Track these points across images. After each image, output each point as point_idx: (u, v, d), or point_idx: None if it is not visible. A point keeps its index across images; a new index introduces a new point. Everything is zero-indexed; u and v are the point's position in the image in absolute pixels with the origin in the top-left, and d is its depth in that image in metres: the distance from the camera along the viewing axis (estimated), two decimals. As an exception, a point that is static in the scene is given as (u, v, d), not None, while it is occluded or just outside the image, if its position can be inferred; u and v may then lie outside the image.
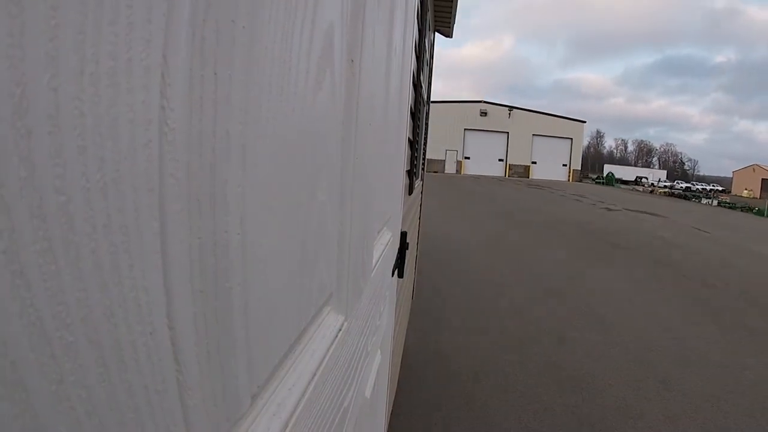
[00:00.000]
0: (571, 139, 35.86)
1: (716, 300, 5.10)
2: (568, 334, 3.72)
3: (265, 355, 0.33)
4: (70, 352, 0.15)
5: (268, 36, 0.28)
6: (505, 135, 34.46)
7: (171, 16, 0.19)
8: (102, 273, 0.17)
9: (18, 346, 0.14)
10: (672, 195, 29.47)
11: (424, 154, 3.89)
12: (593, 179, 43.15)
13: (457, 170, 33.39)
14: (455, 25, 4.45)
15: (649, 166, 77.84)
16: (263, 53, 0.28)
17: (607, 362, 3.26)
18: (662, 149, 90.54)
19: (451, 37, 4.62)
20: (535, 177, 34.33)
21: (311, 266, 0.42)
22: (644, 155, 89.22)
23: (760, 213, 21.62)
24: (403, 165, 1.36)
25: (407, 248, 1.35)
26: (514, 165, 34.73)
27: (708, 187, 45.73)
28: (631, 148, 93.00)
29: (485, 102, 34.92)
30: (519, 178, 32.47)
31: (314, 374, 0.41)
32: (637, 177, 48.67)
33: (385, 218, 0.96)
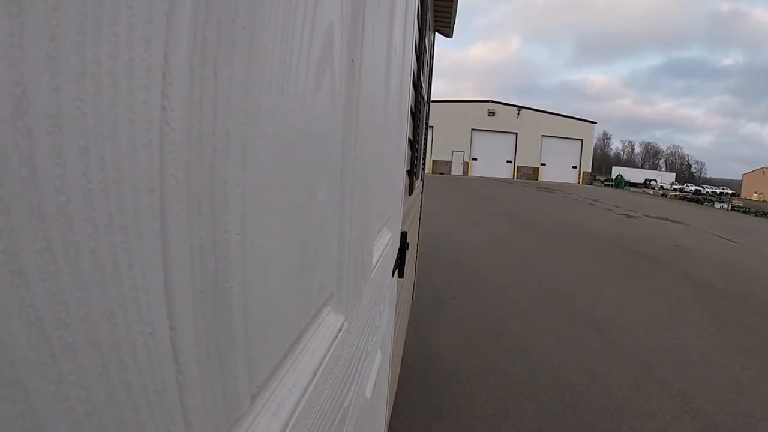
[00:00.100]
0: (582, 140, 35.13)
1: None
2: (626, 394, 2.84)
3: (264, 355, 0.33)
4: (70, 352, 0.15)
5: (268, 36, 0.28)
6: (514, 136, 33.78)
7: (172, 15, 0.19)
8: (102, 273, 0.17)
9: (17, 346, 0.14)
10: (684, 198, 28.77)
11: (425, 154, 3.89)
12: (602, 182, 42.15)
13: (464, 172, 32.76)
14: (455, 26, 4.46)
15: (655, 168, 76.84)
16: (263, 53, 0.28)
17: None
18: (669, 151, 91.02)
19: (452, 37, 4.62)
20: (544, 179, 33.64)
21: (311, 266, 0.42)
22: (651, 157, 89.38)
23: (776, 218, 21.00)
24: (403, 165, 1.36)
25: (407, 248, 1.35)
26: (523, 167, 34.05)
27: (718, 190, 44.92)
28: (637, 150, 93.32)
29: (493, 102, 34.17)
30: (528, 181, 31.77)
31: (314, 374, 0.41)
32: (645, 179, 47.78)
33: (385, 218, 0.96)
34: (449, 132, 32.03)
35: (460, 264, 5.80)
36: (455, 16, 4.23)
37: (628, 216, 13.43)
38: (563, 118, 35.45)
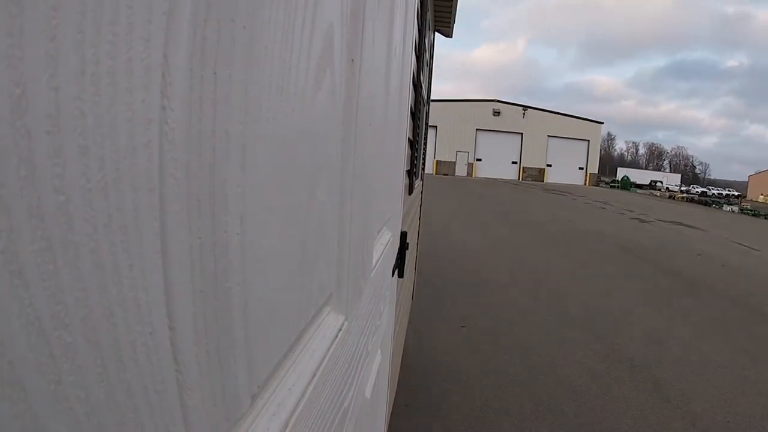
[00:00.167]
0: (588, 141, 34.33)
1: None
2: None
3: (264, 355, 0.33)
4: (69, 352, 0.15)
5: (268, 36, 0.28)
6: (519, 136, 33.03)
7: (172, 15, 0.19)
8: (101, 273, 0.17)
9: (17, 346, 0.14)
10: (692, 201, 28.17)
11: (425, 153, 3.89)
12: (608, 183, 41.10)
13: (468, 173, 32.04)
14: (455, 26, 4.46)
15: (659, 169, 76.57)
16: (263, 53, 0.28)
17: None
18: (673, 152, 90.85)
19: (451, 36, 4.62)
20: (549, 180, 32.92)
21: (311, 266, 0.42)
22: (655, 158, 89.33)
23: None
24: (403, 165, 1.36)
25: (407, 248, 1.35)
26: (529, 168, 33.29)
27: (724, 192, 44.31)
28: (642, 151, 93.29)
29: (498, 101, 33.36)
30: (533, 182, 31.05)
31: (314, 374, 0.41)
32: (651, 181, 47.09)
33: (385, 218, 0.96)
34: (453, 132, 31.42)
35: (470, 282, 4.99)
36: (455, 16, 4.23)
37: (641, 221, 12.70)
38: (570, 118, 34.63)
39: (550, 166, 33.62)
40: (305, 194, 0.38)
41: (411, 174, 2.35)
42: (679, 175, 61.29)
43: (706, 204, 26.14)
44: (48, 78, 0.14)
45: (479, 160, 32.60)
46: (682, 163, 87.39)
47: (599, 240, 8.69)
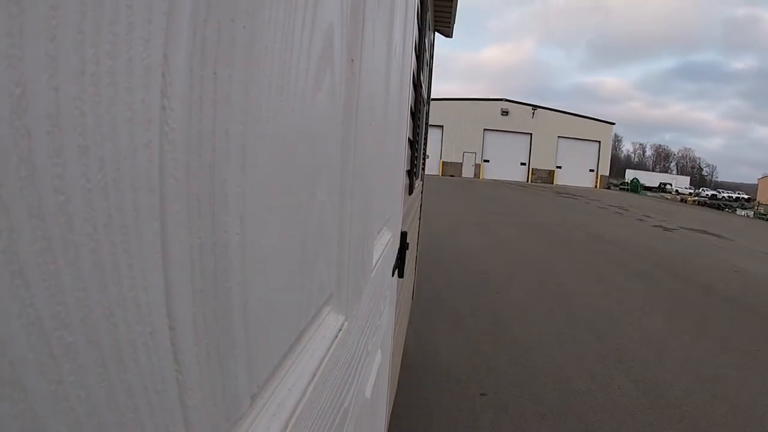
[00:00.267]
0: (599, 142, 33.07)
1: None
2: None
3: (264, 355, 0.33)
4: (70, 352, 0.15)
5: (268, 36, 0.28)
6: (528, 136, 31.78)
7: (172, 15, 0.19)
8: (102, 273, 0.17)
9: (17, 346, 0.14)
10: (704, 205, 27.31)
11: (425, 153, 3.89)
12: (617, 185, 39.20)
13: (475, 174, 30.89)
14: (456, 26, 4.46)
15: (666, 171, 75.57)
16: (263, 53, 0.28)
17: None
18: (680, 154, 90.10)
19: (451, 37, 4.62)
20: (559, 183, 31.76)
21: (311, 266, 0.42)
22: (662, 160, 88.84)
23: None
24: (403, 165, 1.36)
25: (407, 248, 1.35)
26: (538, 169, 32.11)
27: (734, 195, 43.37)
28: (649, 152, 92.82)
29: (507, 100, 32.11)
30: (543, 184, 29.93)
31: (314, 374, 0.41)
32: (660, 183, 45.89)
33: (385, 218, 0.96)
34: (460, 132, 30.39)
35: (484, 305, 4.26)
36: (455, 16, 4.23)
37: (665, 228, 11.77)
38: (580, 118, 33.36)
39: (560, 167, 32.49)
40: (305, 194, 0.38)
41: (411, 174, 2.35)
42: (688, 178, 60.17)
43: (719, 208, 25.36)
44: (48, 78, 0.14)
45: (487, 161, 31.56)
46: (689, 165, 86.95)
47: (624, 251, 7.80)
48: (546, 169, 32.45)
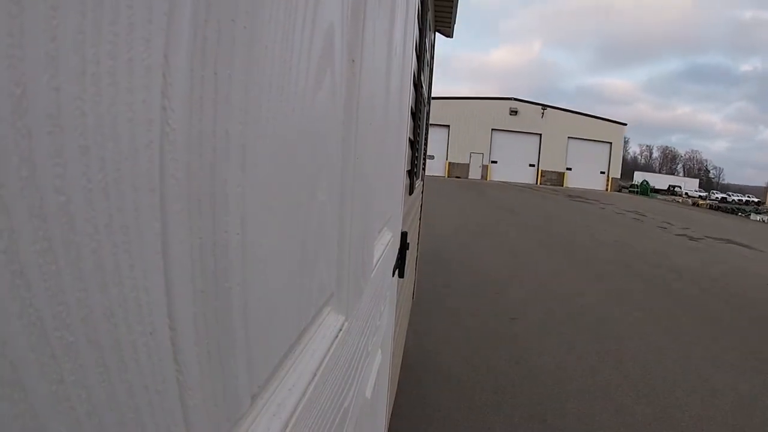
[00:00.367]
0: (611, 143, 31.80)
1: None
2: None
3: (265, 355, 0.33)
4: (70, 353, 0.15)
5: (268, 36, 0.28)
6: (538, 137, 30.65)
7: (172, 15, 0.19)
8: (103, 273, 0.17)
9: (18, 346, 0.14)
10: (718, 209, 25.82)
11: (425, 154, 3.89)
12: (627, 188, 37.45)
13: (482, 176, 29.84)
14: (456, 26, 4.46)
15: (673, 173, 74.70)
16: (263, 53, 0.28)
17: None
18: (687, 156, 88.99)
19: (452, 37, 4.62)
20: (569, 185, 30.67)
21: (311, 266, 0.42)
22: (668, 162, 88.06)
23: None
24: (403, 165, 1.36)
25: (408, 248, 1.35)
26: (547, 171, 30.96)
27: (744, 198, 42.25)
28: (655, 154, 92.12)
29: (515, 99, 30.81)
30: (554, 187, 28.76)
31: (314, 374, 0.41)
32: (669, 186, 44.59)
33: (385, 218, 0.96)
34: (467, 132, 29.33)
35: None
36: (456, 17, 4.23)
37: (690, 238, 10.66)
38: (591, 118, 32.10)
39: (570, 169, 31.30)
40: (305, 194, 0.38)
41: (411, 174, 2.35)
42: (697, 180, 58.87)
43: (732, 212, 24.35)
44: (49, 78, 0.14)
45: (494, 162, 30.38)
46: (696, 167, 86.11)
47: (657, 266, 6.78)
48: (555, 171, 31.29)
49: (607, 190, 31.65)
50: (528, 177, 31.04)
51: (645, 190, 35.16)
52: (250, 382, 0.30)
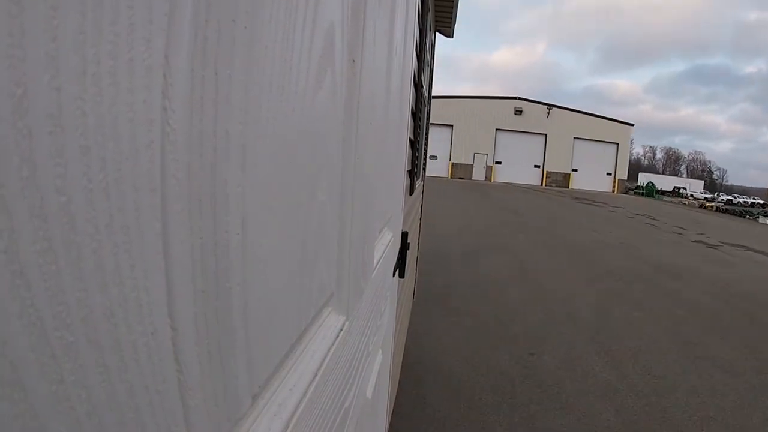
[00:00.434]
0: (617, 144, 30.88)
1: None
2: None
3: (265, 355, 0.33)
4: (71, 353, 0.15)
5: (268, 36, 0.28)
6: (543, 137, 29.70)
7: (173, 16, 0.19)
8: (103, 273, 0.17)
9: (18, 346, 0.14)
10: (725, 212, 25.05)
11: (425, 154, 3.89)
12: (632, 189, 36.66)
13: (486, 177, 28.91)
14: (456, 27, 4.45)
15: (676, 174, 73.94)
16: (264, 53, 0.28)
17: None
18: (690, 157, 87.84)
19: (452, 37, 4.62)
20: (575, 186, 29.85)
21: (311, 266, 0.42)
22: (672, 163, 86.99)
23: None
24: (404, 165, 1.36)
25: (408, 248, 1.35)
26: (552, 172, 30.05)
27: (749, 200, 41.60)
28: (659, 155, 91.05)
29: (520, 99, 29.90)
30: (559, 188, 27.77)
31: (315, 374, 0.41)
32: (675, 187, 43.86)
33: (386, 218, 0.96)
34: (471, 132, 28.60)
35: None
36: (456, 17, 4.23)
37: (708, 245, 9.69)
38: (598, 118, 31.11)
39: (575, 170, 30.36)
40: (306, 194, 0.38)
41: (412, 174, 2.35)
42: (702, 182, 57.88)
43: (740, 215, 23.66)
44: (49, 78, 0.14)
45: (499, 163, 29.47)
46: (700, 168, 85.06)
47: (677, 279, 6.02)
48: (561, 172, 30.36)
49: (613, 191, 30.93)
50: (533, 178, 30.34)
51: (651, 191, 34.28)
52: (250, 382, 0.30)
